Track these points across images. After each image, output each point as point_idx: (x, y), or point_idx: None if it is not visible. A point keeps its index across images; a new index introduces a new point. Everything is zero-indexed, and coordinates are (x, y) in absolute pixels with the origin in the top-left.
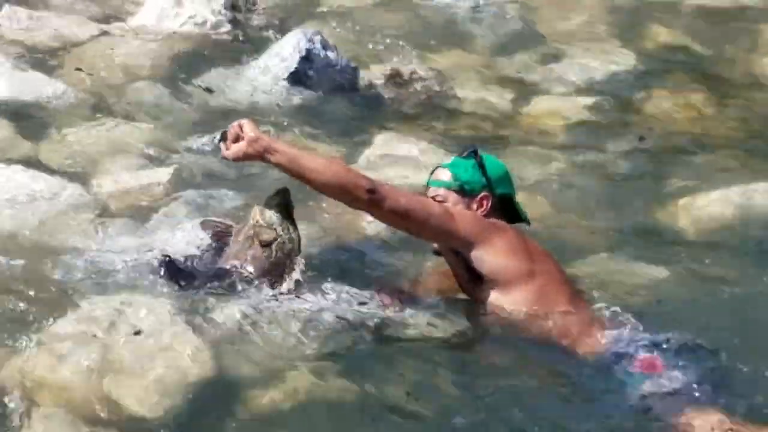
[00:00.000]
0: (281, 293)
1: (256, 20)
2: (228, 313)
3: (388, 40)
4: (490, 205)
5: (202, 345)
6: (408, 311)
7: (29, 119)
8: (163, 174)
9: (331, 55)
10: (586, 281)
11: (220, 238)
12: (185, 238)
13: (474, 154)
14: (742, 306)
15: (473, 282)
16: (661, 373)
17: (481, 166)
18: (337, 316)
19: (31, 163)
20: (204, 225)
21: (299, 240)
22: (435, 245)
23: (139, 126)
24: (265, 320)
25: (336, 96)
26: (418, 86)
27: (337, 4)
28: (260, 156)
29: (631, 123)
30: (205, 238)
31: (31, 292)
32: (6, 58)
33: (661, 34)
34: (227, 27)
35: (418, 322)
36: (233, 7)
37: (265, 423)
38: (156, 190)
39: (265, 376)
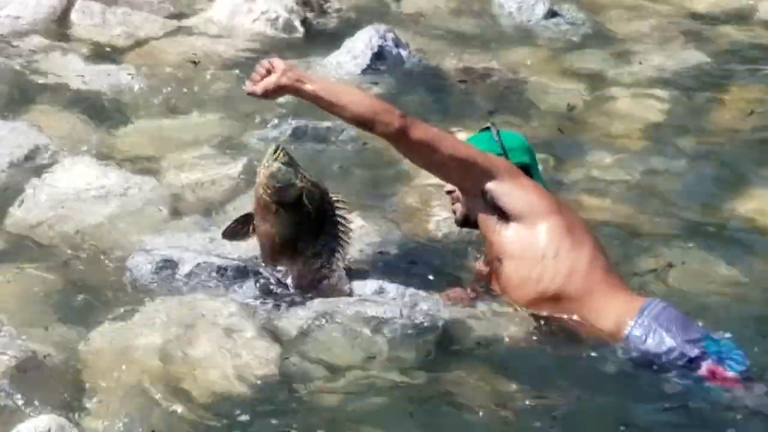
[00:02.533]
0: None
1: (329, 19)
2: (297, 312)
3: (459, 40)
4: None
5: (271, 343)
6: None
7: (101, 113)
8: (234, 168)
9: (403, 52)
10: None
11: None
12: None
13: (491, 126)
14: None
15: (499, 226)
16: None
17: (498, 137)
18: (403, 317)
19: (103, 156)
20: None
21: (323, 185)
22: (459, 216)
23: (210, 119)
24: (333, 321)
25: (408, 93)
26: (490, 81)
27: (410, 8)
28: (293, 87)
29: (705, 123)
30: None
31: (102, 287)
32: (78, 51)
33: (734, 35)
34: (299, 24)
35: (483, 320)
36: (305, 4)
37: (330, 422)
38: (227, 184)
39: (331, 376)
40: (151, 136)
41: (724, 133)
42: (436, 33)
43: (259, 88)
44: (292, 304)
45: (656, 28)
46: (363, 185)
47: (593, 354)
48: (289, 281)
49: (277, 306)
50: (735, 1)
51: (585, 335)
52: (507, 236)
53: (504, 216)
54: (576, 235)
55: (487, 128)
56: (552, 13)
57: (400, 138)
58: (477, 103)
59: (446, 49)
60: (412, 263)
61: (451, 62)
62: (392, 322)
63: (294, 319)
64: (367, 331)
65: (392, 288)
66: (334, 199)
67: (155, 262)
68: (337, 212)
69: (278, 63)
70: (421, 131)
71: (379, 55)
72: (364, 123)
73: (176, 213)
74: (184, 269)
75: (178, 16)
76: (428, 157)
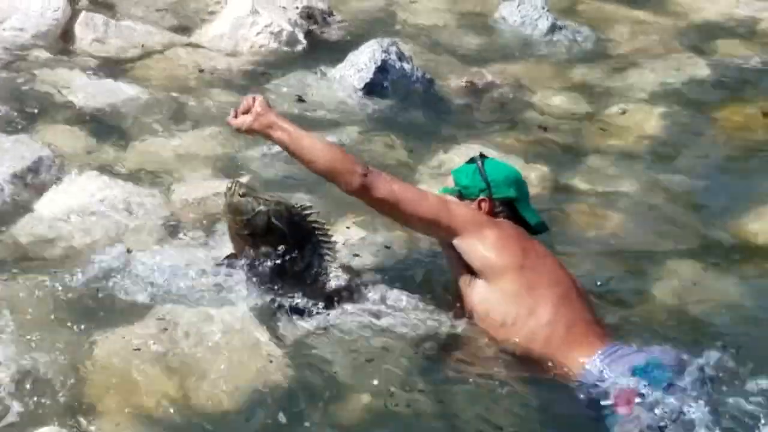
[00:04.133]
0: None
1: (332, 32)
2: (301, 324)
3: (463, 54)
4: (489, 207)
5: (276, 353)
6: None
7: (105, 127)
8: None
9: (406, 66)
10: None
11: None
12: None
13: (477, 159)
14: None
15: (468, 279)
16: (630, 414)
17: (481, 170)
18: (406, 329)
19: (107, 170)
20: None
21: (286, 202)
22: None
23: (213, 134)
24: (337, 332)
25: (411, 107)
26: (493, 95)
27: (414, 21)
28: (264, 133)
29: (706, 133)
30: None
31: (106, 299)
32: (82, 64)
33: (737, 47)
34: (302, 37)
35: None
36: (309, 17)
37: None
38: None
39: (335, 387)
40: (155, 150)
41: (725, 147)
42: (440, 46)
43: (235, 123)
44: (294, 312)
45: (659, 42)
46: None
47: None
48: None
49: (280, 316)
50: (738, 13)
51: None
52: (474, 294)
53: (471, 270)
54: (535, 295)
55: (473, 159)
56: (555, 28)
57: (362, 195)
58: (479, 117)
59: (450, 62)
60: (413, 270)
61: (455, 76)
62: (395, 330)
63: (297, 330)
64: (370, 340)
65: (394, 295)
66: (300, 207)
67: (159, 276)
68: (308, 218)
69: (258, 104)
70: (382, 190)
71: (382, 69)
72: (328, 177)
73: (179, 229)
74: (187, 279)
75: (182, 29)
76: (391, 214)
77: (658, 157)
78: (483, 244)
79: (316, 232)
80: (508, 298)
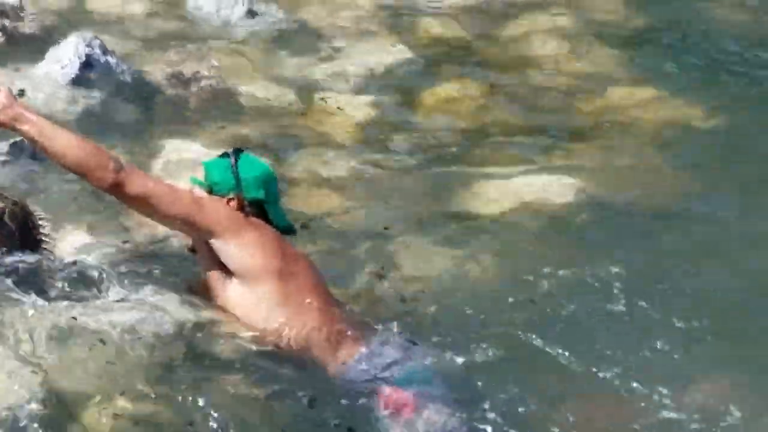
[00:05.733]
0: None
1: (27, 26)
2: (44, 324)
3: (162, 43)
4: (237, 206)
5: (21, 361)
6: None
7: None
8: None
9: (111, 59)
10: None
11: None
12: None
13: (231, 154)
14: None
15: (223, 279)
16: (412, 418)
17: (235, 167)
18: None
19: None
20: None
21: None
22: (189, 243)
23: None
24: (87, 332)
25: (121, 101)
26: (202, 84)
27: (105, 11)
28: (10, 125)
29: (415, 118)
30: None
31: None
32: None
33: (431, 27)
34: None
35: None
36: (1, 14)
37: None
38: None
39: (92, 393)
40: None
41: (438, 127)
42: (137, 37)
43: None
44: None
45: (355, 21)
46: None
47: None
48: None
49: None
50: None
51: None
52: (229, 295)
53: (227, 270)
54: (294, 299)
55: (227, 154)
56: (252, 13)
57: (115, 193)
58: (190, 110)
59: (151, 53)
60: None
61: (159, 68)
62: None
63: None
64: (123, 339)
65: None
66: (39, 217)
67: None
68: (40, 228)
69: (2, 96)
70: (135, 187)
71: (87, 64)
72: (78, 173)
73: None
74: None
75: None
76: (147, 212)
77: (370, 145)
78: (241, 245)
79: (42, 246)
80: (269, 302)
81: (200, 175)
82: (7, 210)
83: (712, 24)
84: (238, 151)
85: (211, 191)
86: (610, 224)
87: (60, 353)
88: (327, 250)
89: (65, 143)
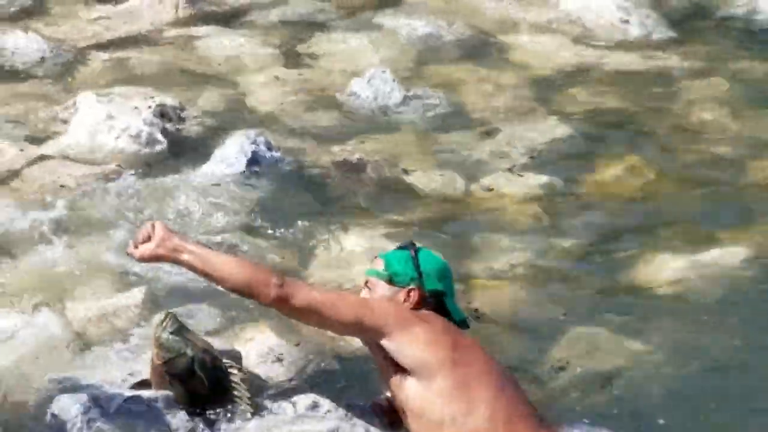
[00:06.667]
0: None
1: (189, 126)
2: None
3: (325, 135)
4: (418, 298)
5: None
6: None
7: None
8: (136, 295)
9: (275, 154)
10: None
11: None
12: None
13: (410, 247)
14: None
15: (399, 378)
16: None
17: (415, 259)
18: None
19: None
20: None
21: (215, 351)
22: None
23: (92, 248)
24: None
25: (288, 194)
26: (368, 172)
27: (263, 108)
28: (170, 257)
29: (580, 195)
30: None
31: None
32: None
33: (586, 99)
34: (161, 136)
35: None
36: (162, 116)
37: None
38: (131, 313)
39: None
40: (39, 272)
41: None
42: (298, 130)
43: (138, 254)
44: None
45: (511, 98)
46: None
47: None
48: None
49: None
50: (576, 57)
51: None
52: (407, 393)
53: (402, 369)
54: (471, 392)
55: (405, 246)
56: (407, 98)
57: (280, 308)
58: (357, 199)
59: (314, 145)
60: (340, 374)
61: (324, 159)
62: None
63: None
64: None
65: (325, 402)
66: (228, 365)
67: (83, 402)
68: (231, 376)
69: (158, 230)
70: (300, 299)
71: (253, 161)
72: (243, 294)
73: (84, 347)
74: (113, 406)
75: (34, 141)
76: (314, 321)
77: (538, 226)
78: (413, 342)
79: (234, 393)
80: (444, 396)
81: (375, 266)
82: (195, 358)
83: None
84: (414, 245)
85: (390, 281)
86: None
87: None
88: (503, 341)
89: (226, 268)
